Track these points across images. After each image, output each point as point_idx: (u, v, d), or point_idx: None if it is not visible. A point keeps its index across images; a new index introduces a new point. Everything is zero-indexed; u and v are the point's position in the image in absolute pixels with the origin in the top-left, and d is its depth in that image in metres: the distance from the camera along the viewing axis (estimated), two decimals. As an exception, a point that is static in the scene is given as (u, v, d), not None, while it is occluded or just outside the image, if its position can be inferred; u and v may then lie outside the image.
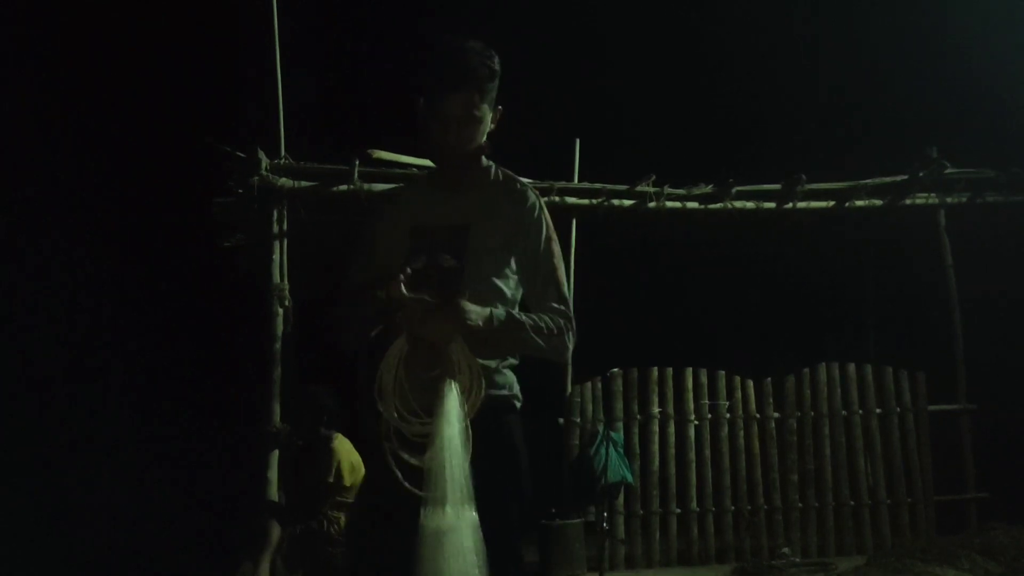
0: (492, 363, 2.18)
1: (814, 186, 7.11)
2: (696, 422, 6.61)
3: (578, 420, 6.47)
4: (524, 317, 2.17)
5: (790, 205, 7.16)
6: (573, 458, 6.39)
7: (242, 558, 5.13)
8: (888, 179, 7.22)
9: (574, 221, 6.88)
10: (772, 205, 7.18)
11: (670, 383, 6.62)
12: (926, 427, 6.86)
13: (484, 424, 2.07)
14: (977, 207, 7.32)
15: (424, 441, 1.99)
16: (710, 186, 7.02)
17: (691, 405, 6.62)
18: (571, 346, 2.27)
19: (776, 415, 6.73)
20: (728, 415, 6.66)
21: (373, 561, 2.19)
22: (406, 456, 2.01)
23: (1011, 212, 7.30)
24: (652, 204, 6.95)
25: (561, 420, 6.51)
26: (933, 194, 7.25)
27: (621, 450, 6.26)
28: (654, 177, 6.86)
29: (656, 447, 6.54)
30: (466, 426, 2.00)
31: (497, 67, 2.13)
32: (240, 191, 6.19)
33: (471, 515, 1.93)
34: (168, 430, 8.19)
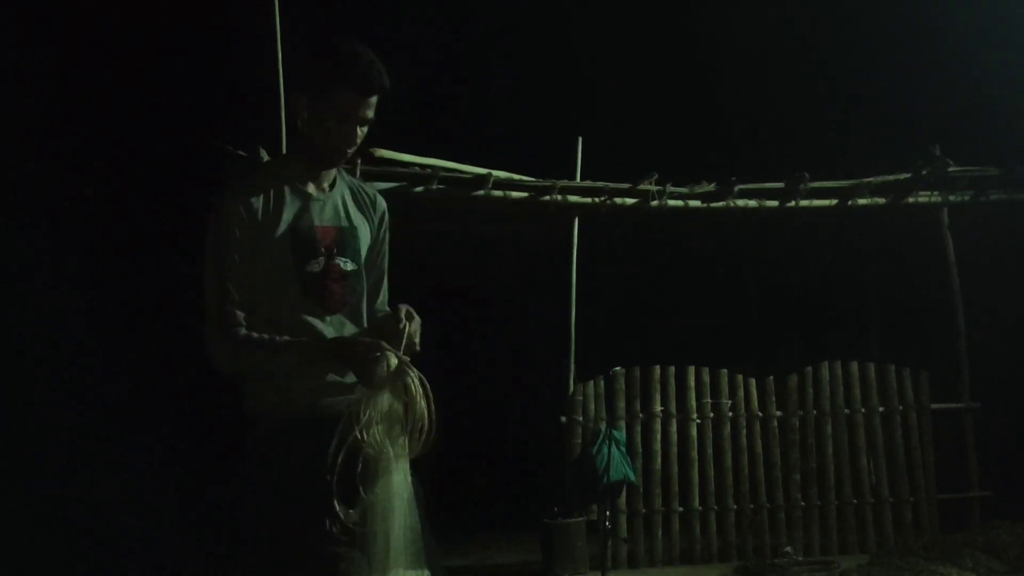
0: None
1: (817, 184, 7.09)
2: (698, 421, 6.60)
3: (580, 419, 6.46)
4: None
5: (793, 203, 7.15)
6: (575, 457, 6.39)
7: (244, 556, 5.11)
8: (891, 177, 7.20)
9: (576, 220, 6.88)
10: (775, 203, 7.17)
11: (672, 381, 6.61)
12: (929, 425, 6.84)
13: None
14: (980, 205, 7.31)
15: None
16: (712, 184, 7.01)
17: (693, 404, 6.61)
18: None
19: (779, 414, 6.72)
20: (730, 413, 6.65)
21: None
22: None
23: (1014, 210, 7.28)
24: (654, 203, 6.95)
25: (563, 419, 6.50)
26: (936, 192, 7.23)
27: (623, 449, 6.26)
28: (656, 175, 6.85)
29: (658, 446, 6.53)
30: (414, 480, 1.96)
31: None
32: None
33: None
34: (168, 429, 8.19)
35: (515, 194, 6.76)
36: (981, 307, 7.17)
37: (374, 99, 2.11)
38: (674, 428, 6.56)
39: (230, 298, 2.04)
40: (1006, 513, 6.26)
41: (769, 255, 8.71)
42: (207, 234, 2.08)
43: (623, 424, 6.49)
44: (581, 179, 6.93)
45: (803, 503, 6.63)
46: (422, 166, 6.44)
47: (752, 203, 7.14)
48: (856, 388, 6.81)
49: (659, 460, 6.51)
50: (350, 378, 2.07)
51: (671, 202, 6.99)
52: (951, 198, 7.24)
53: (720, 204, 7.07)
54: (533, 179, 6.81)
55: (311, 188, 2.16)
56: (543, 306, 7.38)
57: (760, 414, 6.70)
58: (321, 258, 2.10)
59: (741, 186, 7.01)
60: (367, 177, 6.28)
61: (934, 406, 6.88)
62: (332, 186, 2.20)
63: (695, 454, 6.57)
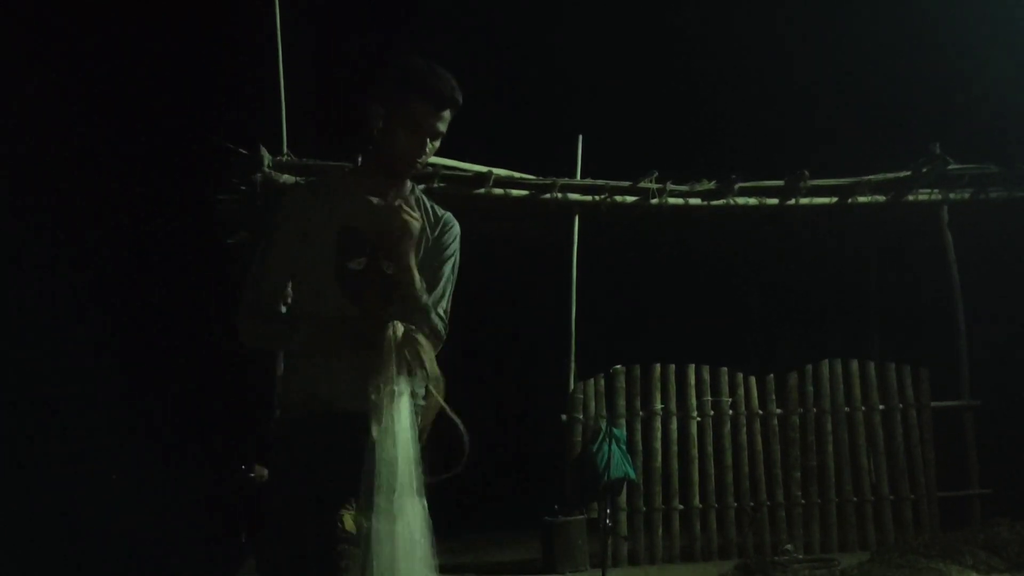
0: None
1: (817, 182, 7.10)
2: (699, 419, 6.61)
3: (581, 417, 6.47)
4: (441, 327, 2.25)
5: (793, 201, 7.15)
6: (576, 455, 6.40)
7: (245, 554, 5.14)
8: (891, 175, 7.21)
9: (576, 218, 6.89)
10: (775, 201, 7.17)
11: (673, 379, 6.62)
12: (929, 423, 6.85)
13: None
14: (980, 203, 7.31)
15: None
16: (713, 182, 7.01)
17: (694, 401, 6.62)
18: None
19: (779, 411, 6.73)
20: (731, 411, 6.66)
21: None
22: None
23: (1014, 208, 7.29)
24: (655, 200, 6.95)
25: (564, 417, 6.51)
26: (936, 190, 7.24)
27: (624, 447, 6.28)
28: (657, 173, 6.86)
29: (659, 444, 6.54)
30: (415, 416, 2.02)
31: None
32: (243, 188, 6.21)
33: (422, 505, 1.95)
34: (169, 427, 8.20)
35: (516, 192, 6.77)
36: (981, 305, 7.18)
37: (446, 113, 2.18)
38: (674, 426, 6.57)
39: (267, 281, 2.17)
40: (1006, 511, 6.27)
41: (769, 253, 8.70)
42: (269, 222, 2.21)
43: (623, 422, 6.50)
44: (581, 177, 6.95)
45: (803, 501, 6.64)
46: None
47: (752, 201, 7.14)
48: (856, 386, 6.82)
49: (659, 458, 6.52)
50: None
51: (671, 200, 6.99)
52: (951, 196, 7.24)
53: (720, 202, 7.07)
54: (534, 177, 6.82)
55: (370, 194, 2.20)
56: (543, 304, 7.39)
57: (760, 412, 6.71)
58: (364, 259, 2.17)
59: (741, 184, 7.02)
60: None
61: (934, 404, 6.89)
62: (394, 196, 2.21)
63: (695, 452, 6.57)
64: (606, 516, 5.87)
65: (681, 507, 6.51)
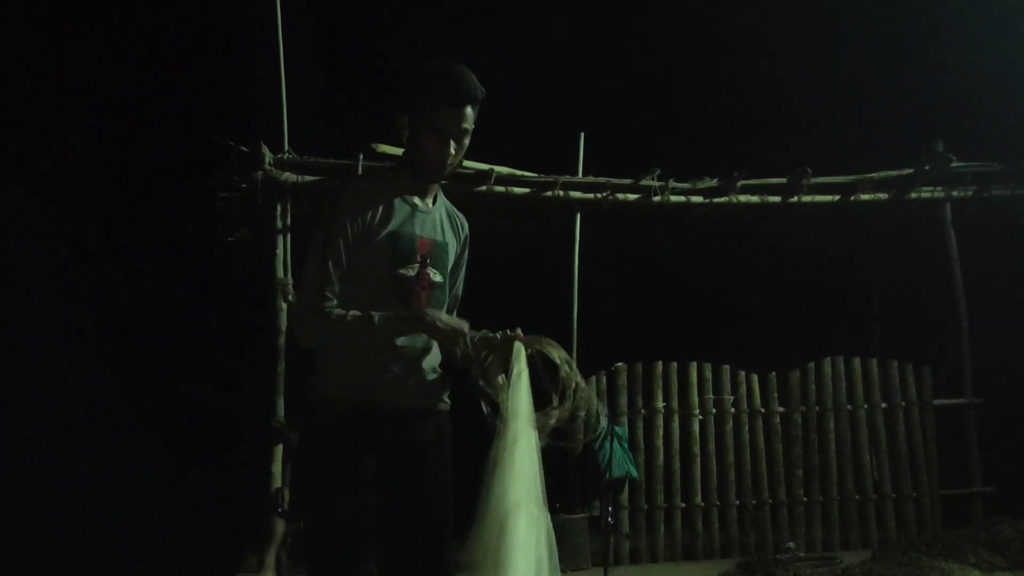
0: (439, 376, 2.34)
1: (819, 180, 7.08)
2: (700, 417, 6.60)
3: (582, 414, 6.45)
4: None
5: (795, 199, 7.13)
6: (577, 453, 6.39)
7: (247, 552, 5.14)
8: (894, 173, 7.19)
9: (578, 215, 6.87)
10: (777, 199, 7.15)
11: (674, 377, 6.61)
12: (931, 421, 6.84)
13: (445, 433, 2.31)
14: (983, 201, 7.30)
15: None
16: (715, 180, 6.99)
17: (695, 400, 6.61)
18: None
19: (781, 410, 6.72)
20: (732, 409, 6.65)
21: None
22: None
23: (1017, 206, 7.28)
24: (656, 198, 6.93)
25: (565, 415, 6.49)
26: (939, 188, 7.22)
27: (626, 445, 6.26)
28: (658, 171, 6.84)
29: (660, 442, 6.53)
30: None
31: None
32: (244, 186, 6.19)
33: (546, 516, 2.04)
34: (171, 425, 8.20)
35: (517, 190, 6.75)
36: (983, 303, 7.16)
37: (468, 111, 2.22)
38: (676, 424, 6.56)
39: (328, 281, 2.18)
40: (1008, 509, 6.25)
41: (771, 250, 8.69)
42: (320, 221, 2.22)
43: (625, 420, 6.49)
44: (583, 175, 6.92)
45: (805, 499, 6.63)
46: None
47: (754, 199, 7.12)
48: (858, 384, 6.81)
49: (661, 456, 6.51)
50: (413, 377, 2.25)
51: (673, 198, 6.97)
52: (954, 194, 7.23)
53: (722, 200, 7.05)
54: (535, 175, 6.80)
55: (417, 200, 2.30)
56: (545, 302, 7.37)
57: (762, 410, 6.69)
58: (416, 265, 2.25)
59: (743, 181, 6.99)
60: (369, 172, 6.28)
61: (936, 402, 6.88)
62: (434, 202, 2.35)
63: (697, 450, 6.56)
64: (608, 514, 5.85)
65: (683, 505, 6.50)
